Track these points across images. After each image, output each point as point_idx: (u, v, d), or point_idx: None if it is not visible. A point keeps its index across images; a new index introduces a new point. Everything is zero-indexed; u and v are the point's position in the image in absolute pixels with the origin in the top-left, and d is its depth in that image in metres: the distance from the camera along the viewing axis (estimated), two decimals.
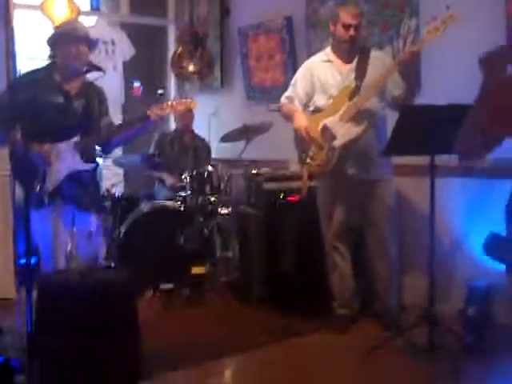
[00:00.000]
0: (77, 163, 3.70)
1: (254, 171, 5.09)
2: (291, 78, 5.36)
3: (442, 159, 3.63)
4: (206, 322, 4.41)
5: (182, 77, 6.16)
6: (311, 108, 4.11)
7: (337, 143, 3.85)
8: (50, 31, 5.17)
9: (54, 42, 3.74)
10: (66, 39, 3.66)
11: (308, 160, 3.98)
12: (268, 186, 4.77)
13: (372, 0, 4.65)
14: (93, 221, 3.82)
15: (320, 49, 5.02)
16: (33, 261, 3.36)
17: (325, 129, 3.90)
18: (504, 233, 2.58)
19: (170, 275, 4.93)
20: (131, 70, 6.68)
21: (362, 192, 4.02)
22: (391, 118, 3.71)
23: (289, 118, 4.16)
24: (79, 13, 5.44)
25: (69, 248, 3.27)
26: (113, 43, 6.28)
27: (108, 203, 5.09)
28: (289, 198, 4.72)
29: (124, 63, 6.46)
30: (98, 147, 3.87)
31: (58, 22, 5.26)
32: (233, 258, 5.31)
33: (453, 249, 4.27)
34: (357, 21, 3.88)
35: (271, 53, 5.63)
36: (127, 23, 6.73)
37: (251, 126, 5.20)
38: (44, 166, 3.62)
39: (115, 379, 3.17)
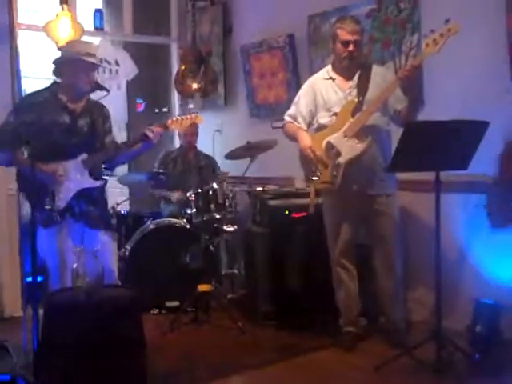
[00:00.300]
0: (85, 181, 3.73)
1: (259, 188, 5.10)
2: (294, 96, 5.38)
3: (447, 174, 3.64)
4: (212, 340, 4.40)
5: (185, 95, 6.19)
6: (315, 126, 4.13)
7: (342, 160, 3.86)
8: (54, 51, 5.27)
9: (61, 62, 3.77)
10: (75, 63, 3.69)
11: (314, 178, 3.98)
12: (273, 203, 4.77)
13: (373, 16, 4.68)
14: (102, 238, 3.83)
15: (322, 66, 5.07)
16: (39, 279, 3.35)
17: (329, 146, 3.91)
18: None
19: (175, 293, 4.93)
20: (135, 88, 6.72)
21: (368, 207, 4.03)
22: (396, 133, 3.72)
23: (292, 137, 4.17)
24: (83, 33, 5.47)
25: (75, 266, 3.26)
26: (116, 63, 6.33)
27: (114, 221, 5.10)
28: (294, 215, 4.72)
29: (127, 82, 6.50)
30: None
31: (61, 43, 5.30)
32: (238, 275, 5.31)
33: (459, 265, 4.25)
34: (355, 37, 3.90)
35: (274, 70, 5.65)
36: (130, 42, 6.78)
37: (255, 144, 5.21)
38: (53, 184, 3.65)
39: None
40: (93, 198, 3.80)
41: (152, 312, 4.90)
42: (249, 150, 5.23)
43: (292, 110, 4.21)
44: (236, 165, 5.49)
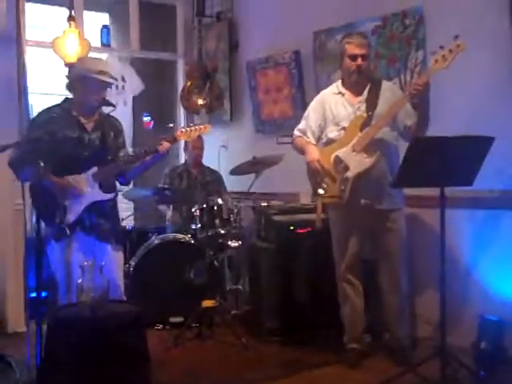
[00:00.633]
0: (96, 194, 3.76)
1: (263, 204, 5.10)
2: (300, 111, 5.44)
3: (453, 190, 3.64)
4: (216, 356, 4.38)
5: (191, 110, 6.21)
6: (324, 140, 4.14)
7: (350, 174, 3.87)
8: (62, 67, 5.30)
9: (74, 79, 3.82)
10: (87, 80, 3.73)
11: (321, 192, 3.98)
12: (278, 218, 4.77)
13: (378, 33, 4.70)
14: (111, 252, 3.86)
15: (328, 82, 5.10)
16: (43, 294, 3.35)
17: (337, 160, 3.93)
18: None
19: (179, 308, 4.92)
20: (141, 104, 6.76)
21: (375, 222, 4.02)
22: (403, 148, 3.71)
23: (301, 151, 4.18)
24: (90, 49, 5.51)
25: (79, 281, 3.26)
26: (123, 79, 6.38)
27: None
28: (299, 231, 4.72)
29: (134, 98, 6.54)
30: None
31: (69, 59, 5.34)
32: (243, 291, 5.29)
33: (464, 281, 4.24)
34: (363, 51, 3.92)
35: (280, 86, 5.67)
36: (137, 58, 6.83)
37: (260, 159, 5.22)
38: (64, 198, 3.69)
39: None
40: (104, 210, 3.83)
41: (156, 327, 4.89)
42: (254, 166, 5.24)
43: (302, 125, 4.23)
44: (241, 180, 5.50)
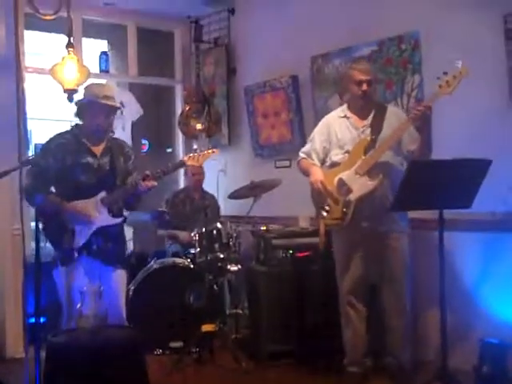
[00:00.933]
0: (104, 218, 3.77)
1: (262, 228, 5.11)
2: (298, 135, 5.49)
3: (453, 212, 3.64)
4: (217, 381, 4.36)
5: (189, 135, 6.23)
6: (328, 163, 4.16)
7: (352, 197, 3.89)
8: (60, 94, 5.33)
9: (82, 105, 3.86)
10: (93, 105, 3.77)
11: (324, 214, 4.00)
12: (277, 242, 4.78)
13: (375, 57, 4.74)
14: (116, 276, 3.85)
15: (325, 106, 5.15)
16: (42, 320, 3.34)
17: (340, 183, 3.95)
18: None
19: (179, 333, 4.90)
20: (140, 129, 6.78)
21: (378, 245, 4.02)
22: None
23: (306, 172, 4.21)
24: (89, 75, 5.54)
25: (78, 306, 3.25)
26: (122, 105, 6.40)
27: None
28: (298, 255, 4.72)
29: (132, 123, 6.57)
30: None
31: (67, 85, 5.36)
32: (243, 314, 5.27)
33: (465, 304, 4.23)
34: (368, 76, 3.97)
35: (277, 110, 5.71)
36: (135, 84, 6.87)
37: (259, 183, 5.23)
38: (73, 222, 3.72)
39: None
40: (111, 234, 3.84)
41: (155, 352, 4.86)
42: (252, 190, 5.25)
43: (306, 147, 4.27)
44: (240, 204, 5.51)
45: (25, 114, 5.26)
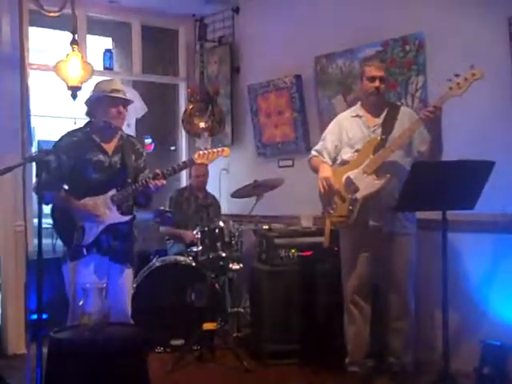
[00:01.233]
0: (114, 216, 3.78)
1: (265, 227, 5.11)
2: (301, 135, 5.49)
3: (456, 214, 3.64)
4: (217, 379, 4.37)
5: (193, 133, 6.23)
6: (338, 161, 4.18)
7: (358, 195, 3.91)
8: (64, 91, 5.34)
9: (92, 103, 3.85)
10: (103, 100, 3.77)
11: (331, 211, 4.02)
12: (279, 241, 4.78)
13: (380, 58, 4.73)
14: (123, 274, 3.86)
15: (329, 105, 5.15)
16: (44, 316, 3.34)
17: (348, 181, 3.96)
18: None
19: (180, 331, 4.90)
20: (143, 127, 6.79)
21: (383, 245, 4.02)
22: None
23: (315, 170, 4.23)
24: (93, 73, 5.55)
25: (81, 303, 3.25)
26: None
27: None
28: (300, 254, 4.72)
29: (137, 120, 6.57)
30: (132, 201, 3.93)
31: (71, 83, 5.38)
32: (244, 313, 5.28)
33: (467, 306, 4.22)
34: (381, 73, 3.98)
35: (281, 110, 5.70)
36: (139, 82, 6.87)
37: (262, 182, 5.24)
38: (83, 219, 3.73)
39: None
40: (120, 232, 3.83)
41: (157, 350, 4.87)
42: (255, 189, 5.26)
43: (319, 146, 4.29)
44: (242, 203, 5.52)
45: (28, 110, 5.27)
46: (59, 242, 3.86)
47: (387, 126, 3.98)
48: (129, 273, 3.93)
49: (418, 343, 4.24)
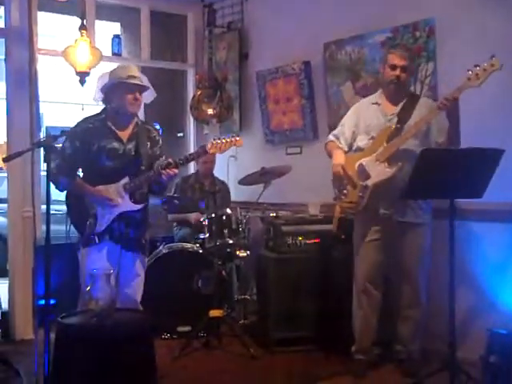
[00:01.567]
0: (126, 204, 3.78)
1: (272, 214, 5.11)
2: (309, 122, 5.46)
3: (463, 202, 3.62)
4: (224, 366, 4.37)
5: (201, 120, 6.22)
6: (354, 148, 4.18)
7: (369, 182, 3.91)
8: (73, 76, 5.33)
9: (108, 89, 3.84)
10: (120, 86, 3.76)
11: (342, 197, 4.04)
12: (287, 229, 4.77)
13: (389, 44, 4.69)
14: (135, 261, 3.88)
15: (337, 92, 5.12)
16: (52, 302, 3.35)
17: (361, 168, 3.97)
18: None
19: (187, 318, 4.92)
20: (152, 113, 6.77)
21: (396, 233, 4.02)
22: None
23: (330, 155, 4.24)
24: (101, 58, 5.54)
25: (88, 288, 3.27)
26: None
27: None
28: (308, 241, 4.72)
29: (145, 106, 6.56)
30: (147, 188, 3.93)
31: (80, 68, 5.37)
32: (251, 300, 5.29)
33: (473, 294, 4.22)
34: (403, 62, 3.95)
35: (289, 96, 5.68)
36: (148, 67, 6.85)
37: (269, 169, 5.23)
38: (96, 207, 3.74)
39: None
40: (133, 220, 3.84)
41: (163, 337, 4.89)
42: (263, 176, 5.25)
43: (337, 131, 4.28)
44: (250, 190, 5.51)
45: (37, 96, 5.26)
46: (73, 228, 3.86)
47: (404, 115, 3.96)
48: (141, 260, 3.94)
49: (425, 331, 4.23)
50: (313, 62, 5.44)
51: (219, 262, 5.09)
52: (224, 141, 3.79)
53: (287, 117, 5.72)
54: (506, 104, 4.08)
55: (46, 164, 3.25)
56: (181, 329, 4.95)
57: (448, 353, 3.56)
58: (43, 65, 5.48)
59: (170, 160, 3.74)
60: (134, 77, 3.79)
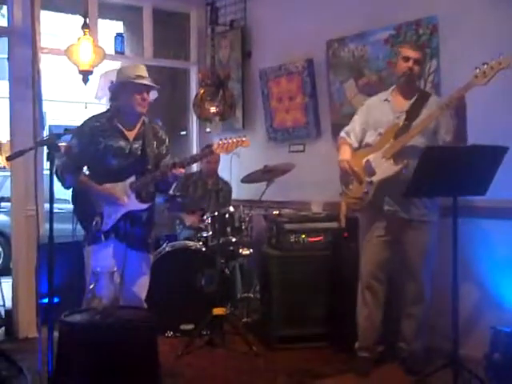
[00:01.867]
0: (132, 203, 3.79)
1: (275, 212, 5.10)
2: (312, 120, 5.45)
3: (467, 199, 3.62)
4: (227, 364, 4.37)
5: (203, 118, 6.22)
6: (362, 144, 4.18)
7: (374, 179, 3.92)
8: (76, 75, 5.34)
9: (116, 88, 3.84)
10: (127, 86, 3.76)
11: (347, 192, 4.06)
12: (290, 226, 4.77)
13: (392, 42, 4.70)
14: (140, 259, 3.89)
15: (340, 90, 5.12)
16: (55, 300, 3.36)
17: (367, 164, 3.98)
18: None
19: (190, 316, 4.92)
20: (154, 111, 6.77)
21: (401, 230, 4.02)
22: None
23: (338, 150, 4.24)
24: (104, 57, 5.54)
25: (91, 286, 3.27)
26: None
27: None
28: (311, 239, 4.72)
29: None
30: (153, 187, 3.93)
31: (83, 67, 5.38)
32: (254, 298, 5.29)
33: (477, 292, 4.21)
34: (416, 55, 3.94)
35: (292, 94, 5.67)
36: (150, 66, 6.85)
37: (272, 167, 5.22)
38: (103, 205, 3.75)
39: None
40: (138, 219, 3.86)
41: (166, 335, 4.89)
42: (266, 174, 5.24)
43: (348, 127, 4.29)
44: (253, 188, 5.51)
45: (40, 95, 5.27)
46: (79, 227, 3.87)
47: (413, 113, 3.95)
48: (146, 259, 3.95)
49: (428, 329, 4.23)
50: (316, 59, 5.43)
51: (222, 260, 5.09)
52: (230, 141, 3.78)
53: (290, 114, 5.72)
54: (510, 101, 4.06)
55: (49, 162, 3.26)
56: (184, 327, 4.95)
57: (451, 350, 3.56)
58: (46, 63, 5.48)
59: (176, 160, 3.75)
60: (143, 77, 3.78)
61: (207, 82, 6.04)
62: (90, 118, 3.87)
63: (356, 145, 4.19)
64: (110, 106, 3.93)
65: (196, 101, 6.16)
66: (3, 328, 5.15)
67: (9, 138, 5.32)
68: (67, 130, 3.54)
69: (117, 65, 6.37)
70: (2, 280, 5.49)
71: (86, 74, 5.40)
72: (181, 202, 5.47)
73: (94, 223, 3.74)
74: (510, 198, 3.98)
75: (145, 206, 3.85)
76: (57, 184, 3.56)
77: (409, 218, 3.99)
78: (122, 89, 3.80)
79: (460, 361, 3.53)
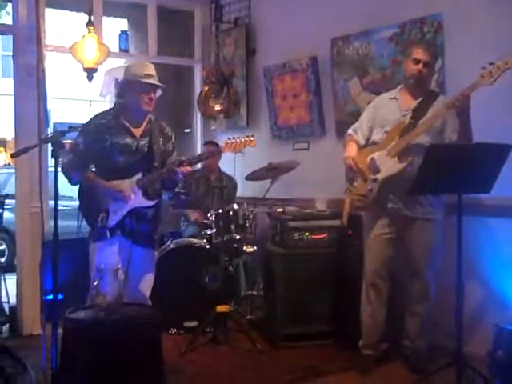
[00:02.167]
0: (138, 200, 3.79)
1: (279, 210, 5.11)
2: (317, 117, 5.45)
3: (471, 197, 3.61)
4: (230, 361, 4.38)
5: (208, 115, 6.23)
6: (370, 141, 4.18)
7: (379, 176, 3.93)
8: (80, 72, 5.34)
9: (124, 86, 3.85)
10: (135, 85, 3.76)
11: (352, 189, 4.06)
12: (294, 224, 4.77)
13: (396, 40, 4.69)
14: (145, 256, 3.89)
15: (345, 88, 5.11)
16: (59, 297, 3.37)
17: (372, 162, 3.99)
18: None
19: (194, 313, 4.92)
20: (159, 109, 6.78)
21: (405, 228, 4.02)
22: None
23: (344, 147, 4.24)
24: (108, 54, 5.55)
25: (95, 283, 3.28)
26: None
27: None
28: (314, 237, 4.72)
29: None
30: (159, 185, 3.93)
31: (87, 64, 5.38)
32: (257, 296, 5.29)
33: (481, 290, 4.21)
34: (426, 58, 3.93)
35: (296, 92, 5.67)
36: (155, 63, 6.85)
37: (276, 165, 5.22)
38: (109, 202, 3.76)
39: None
40: (144, 216, 3.86)
41: (170, 332, 4.90)
42: (270, 172, 5.24)
43: (356, 124, 4.29)
44: (257, 186, 5.51)
45: (45, 92, 5.28)
46: (85, 224, 3.87)
47: (419, 112, 3.94)
48: (151, 256, 3.95)
49: (432, 326, 4.23)
50: (320, 57, 5.43)
51: (226, 258, 5.10)
52: (239, 141, 3.81)
53: (294, 112, 5.71)
54: (497, 96, 4.01)
55: (53, 160, 3.26)
56: (188, 324, 4.96)
57: (455, 348, 3.56)
58: (51, 61, 5.49)
59: (183, 158, 3.76)
60: (151, 75, 3.78)
61: (211, 79, 6.05)
62: (96, 116, 3.88)
63: (363, 142, 4.19)
64: (116, 102, 3.93)
65: (200, 98, 6.16)
66: (7, 325, 5.17)
67: (13, 136, 5.32)
68: (72, 127, 3.54)
69: (121, 62, 6.38)
70: (7, 277, 5.49)
71: (90, 72, 5.41)
72: (184, 199, 5.48)
73: (99, 219, 3.74)
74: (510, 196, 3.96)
75: (151, 202, 3.85)
76: (61, 181, 3.57)
77: (413, 216, 3.98)
78: (128, 87, 3.80)
79: (464, 358, 3.53)
